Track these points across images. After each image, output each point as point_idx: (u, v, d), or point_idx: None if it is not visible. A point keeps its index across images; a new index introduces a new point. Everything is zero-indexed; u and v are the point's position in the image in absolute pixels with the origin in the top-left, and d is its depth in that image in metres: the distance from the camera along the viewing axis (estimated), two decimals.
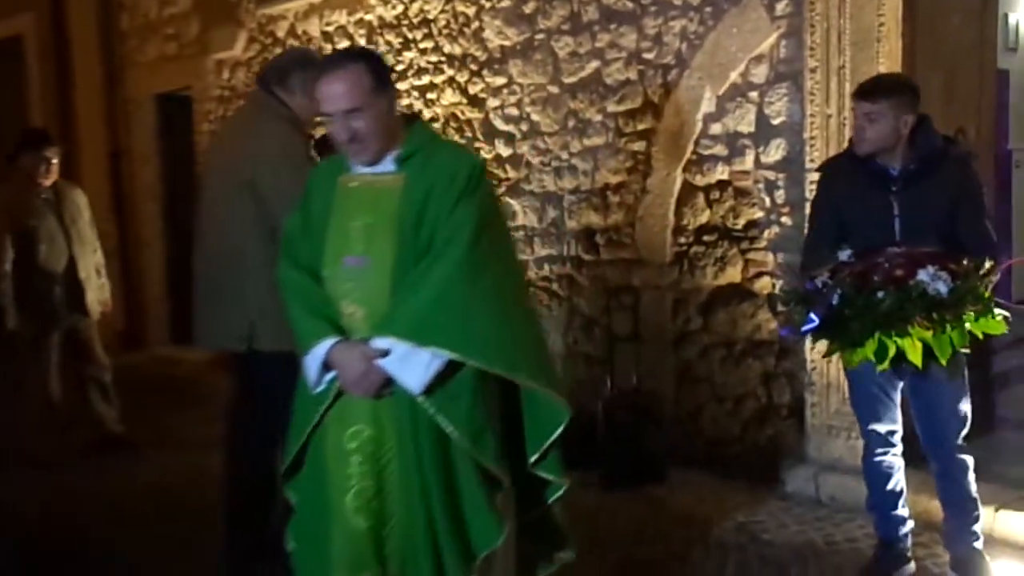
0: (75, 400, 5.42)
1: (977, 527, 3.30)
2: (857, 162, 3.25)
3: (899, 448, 3.37)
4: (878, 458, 3.37)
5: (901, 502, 3.41)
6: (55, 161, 5.26)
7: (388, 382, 2.30)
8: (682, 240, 4.89)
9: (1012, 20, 6.63)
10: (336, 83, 2.32)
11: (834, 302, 2.98)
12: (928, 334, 2.91)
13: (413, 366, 2.26)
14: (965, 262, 2.95)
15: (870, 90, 3.20)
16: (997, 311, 3.00)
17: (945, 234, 3.11)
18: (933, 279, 2.90)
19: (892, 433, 3.34)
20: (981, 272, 2.95)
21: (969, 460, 3.25)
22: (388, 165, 2.42)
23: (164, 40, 8.12)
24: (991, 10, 4.69)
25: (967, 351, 3.04)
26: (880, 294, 2.92)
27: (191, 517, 4.11)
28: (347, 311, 2.35)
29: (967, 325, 2.94)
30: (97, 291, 5.42)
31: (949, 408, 3.20)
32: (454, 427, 2.29)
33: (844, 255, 3.12)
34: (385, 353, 2.27)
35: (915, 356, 2.93)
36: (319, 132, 3.91)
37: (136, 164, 8.48)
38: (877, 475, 3.39)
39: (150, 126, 8.35)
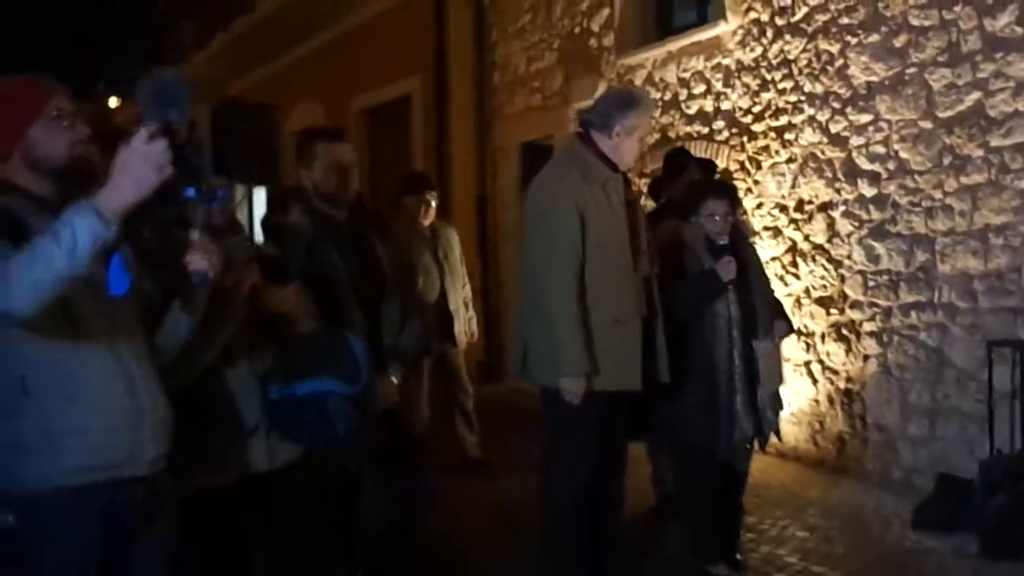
0: (441, 421, 5.86)
1: None
2: None
3: None
4: None
5: None
6: (433, 203, 5.79)
7: None
8: None
9: None
10: None
11: None
12: None
13: None
14: None
15: None
16: None
17: None
18: None
19: None
20: None
21: None
22: None
23: (530, 93, 8.68)
24: None
25: None
26: None
27: (532, 537, 4.26)
28: None
29: None
30: (465, 322, 5.86)
31: None
32: None
33: None
34: None
35: None
36: None
37: (499, 208, 9.10)
38: None
39: (513, 173, 8.94)
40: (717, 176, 5.54)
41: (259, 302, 2.61)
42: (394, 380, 3.28)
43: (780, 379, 4.12)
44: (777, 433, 4.15)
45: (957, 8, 4.88)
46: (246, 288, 2.52)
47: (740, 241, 4.12)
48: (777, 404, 4.13)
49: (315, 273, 3.01)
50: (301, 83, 11.72)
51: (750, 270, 4.04)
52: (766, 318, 4.07)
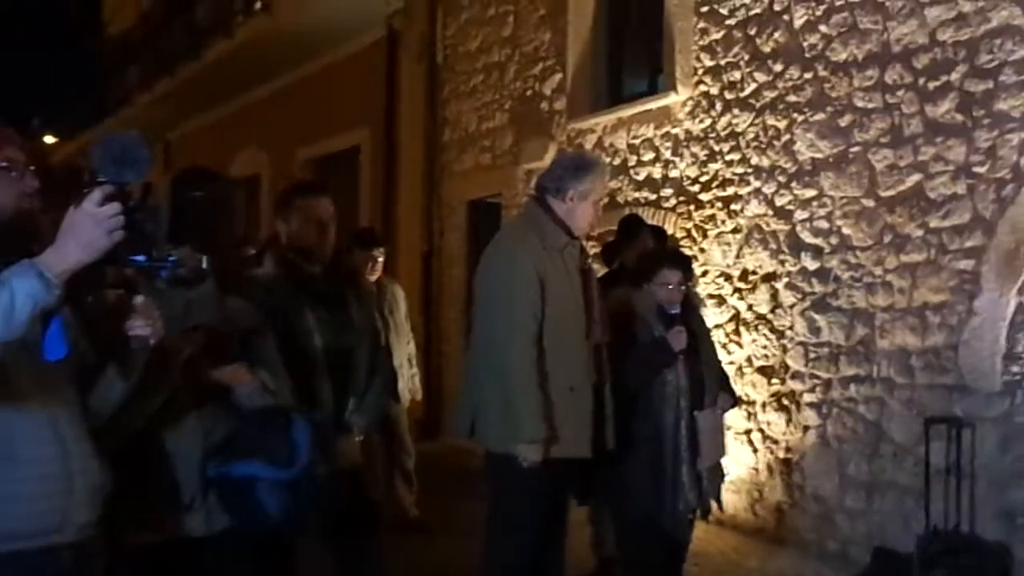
0: (381, 481, 5.73)
1: None
2: None
3: None
4: None
5: None
6: (381, 260, 5.73)
7: None
8: (1015, 369, 4.44)
9: None
10: None
11: None
12: None
13: None
14: None
15: None
16: None
17: None
18: None
19: None
20: None
21: None
22: None
23: (480, 151, 8.73)
24: None
25: None
26: None
27: None
28: None
29: None
30: (408, 380, 5.78)
31: None
32: None
33: None
34: None
35: None
36: None
37: (445, 265, 9.08)
38: None
39: (461, 230, 8.95)
40: (669, 244, 5.60)
41: (201, 371, 2.54)
42: (357, 440, 3.24)
43: (723, 450, 4.13)
44: (719, 502, 4.16)
45: (900, 93, 5.06)
46: (183, 355, 2.44)
47: (691, 311, 4.15)
48: (720, 474, 4.13)
49: (284, 328, 2.95)
50: (247, 129, 11.64)
51: (700, 340, 4.06)
52: (713, 389, 4.08)
